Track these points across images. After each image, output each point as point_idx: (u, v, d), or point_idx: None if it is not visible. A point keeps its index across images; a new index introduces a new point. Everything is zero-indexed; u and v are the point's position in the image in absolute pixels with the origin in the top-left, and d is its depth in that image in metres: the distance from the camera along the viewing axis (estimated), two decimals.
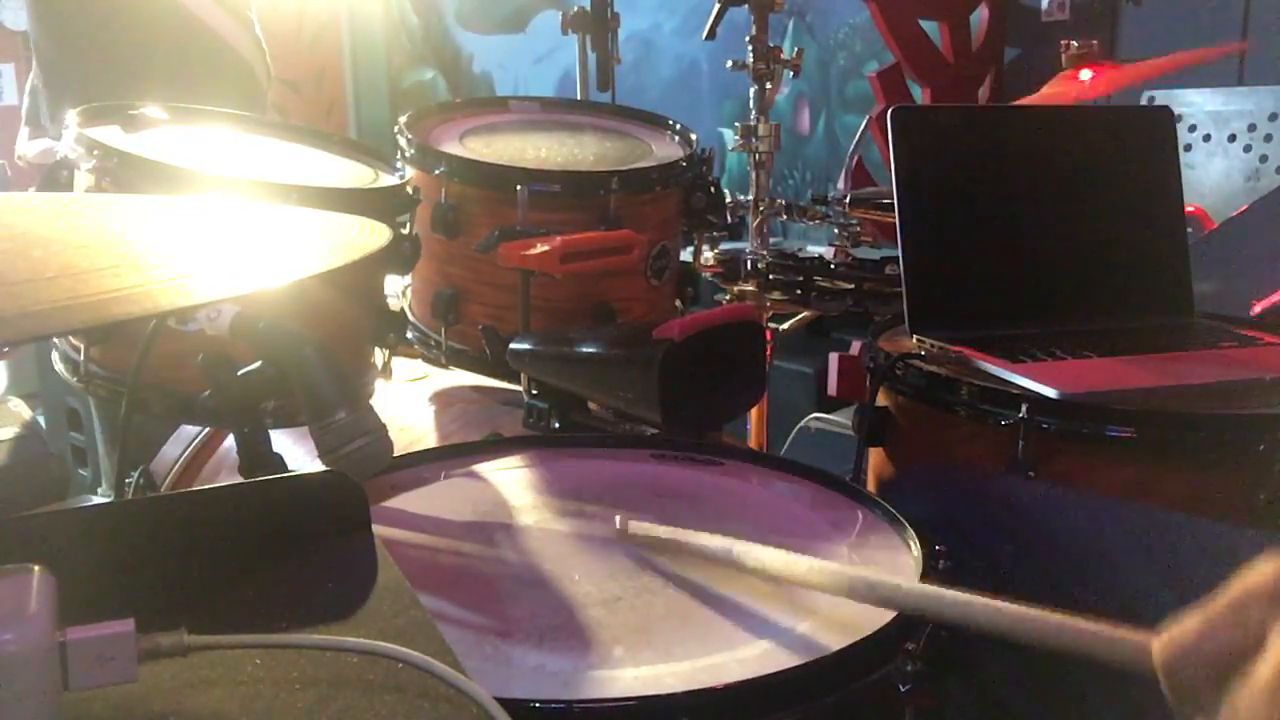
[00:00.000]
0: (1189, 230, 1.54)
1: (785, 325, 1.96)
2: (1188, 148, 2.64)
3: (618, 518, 0.89)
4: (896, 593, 0.72)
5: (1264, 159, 2.57)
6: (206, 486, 1.32)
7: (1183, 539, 1.00)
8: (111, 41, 2.07)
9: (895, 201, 1.35)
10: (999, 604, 0.63)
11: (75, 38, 2.11)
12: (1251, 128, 2.59)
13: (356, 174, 1.30)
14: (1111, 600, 0.97)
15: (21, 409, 1.50)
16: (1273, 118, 2.56)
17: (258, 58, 2.26)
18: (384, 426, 0.87)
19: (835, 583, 0.74)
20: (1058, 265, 1.42)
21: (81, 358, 1.16)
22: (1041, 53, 2.92)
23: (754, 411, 2.10)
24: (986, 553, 1.04)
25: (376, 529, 0.68)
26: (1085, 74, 1.88)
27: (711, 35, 1.95)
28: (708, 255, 1.82)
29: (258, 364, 0.88)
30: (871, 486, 1.36)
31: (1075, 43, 1.91)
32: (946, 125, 1.44)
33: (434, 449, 1.13)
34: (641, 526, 0.87)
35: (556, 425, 1.25)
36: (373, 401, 0.92)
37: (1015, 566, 1.04)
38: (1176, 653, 0.55)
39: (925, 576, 0.81)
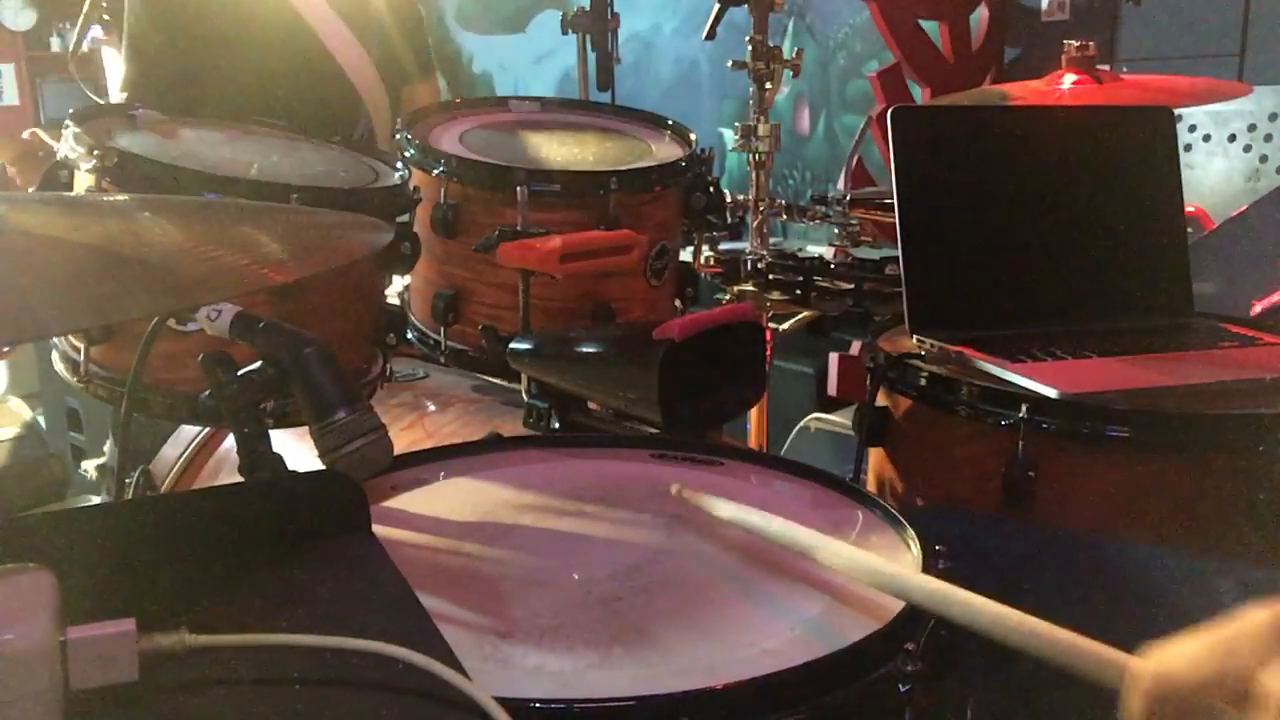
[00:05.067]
0: (1189, 230, 1.54)
1: (785, 325, 1.96)
2: (1188, 148, 2.63)
3: (674, 487, 0.94)
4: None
5: (1264, 159, 2.57)
6: (206, 486, 1.32)
7: (1166, 567, 1.01)
8: (210, 33, 1.94)
9: (895, 201, 1.35)
10: (988, 603, 0.64)
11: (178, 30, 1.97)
12: (1251, 128, 2.59)
13: (357, 174, 1.30)
14: (1111, 595, 0.98)
15: (21, 409, 1.50)
16: (1273, 118, 2.56)
17: (375, 91, 2.03)
18: (384, 426, 0.87)
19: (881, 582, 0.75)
20: (1058, 265, 1.42)
21: (81, 358, 1.16)
22: (1041, 53, 2.92)
23: (754, 411, 2.10)
24: (986, 553, 1.04)
25: (376, 529, 0.68)
26: (1068, 79, 1.87)
27: (711, 35, 1.95)
28: (708, 255, 1.82)
29: (258, 364, 0.88)
30: (871, 486, 1.36)
31: (1075, 43, 1.90)
32: (946, 125, 1.44)
33: (434, 449, 1.13)
34: (695, 497, 0.92)
35: (556, 425, 1.25)
36: (373, 401, 0.92)
37: (1015, 568, 1.04)
38: (1161, 682, 0.55)
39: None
